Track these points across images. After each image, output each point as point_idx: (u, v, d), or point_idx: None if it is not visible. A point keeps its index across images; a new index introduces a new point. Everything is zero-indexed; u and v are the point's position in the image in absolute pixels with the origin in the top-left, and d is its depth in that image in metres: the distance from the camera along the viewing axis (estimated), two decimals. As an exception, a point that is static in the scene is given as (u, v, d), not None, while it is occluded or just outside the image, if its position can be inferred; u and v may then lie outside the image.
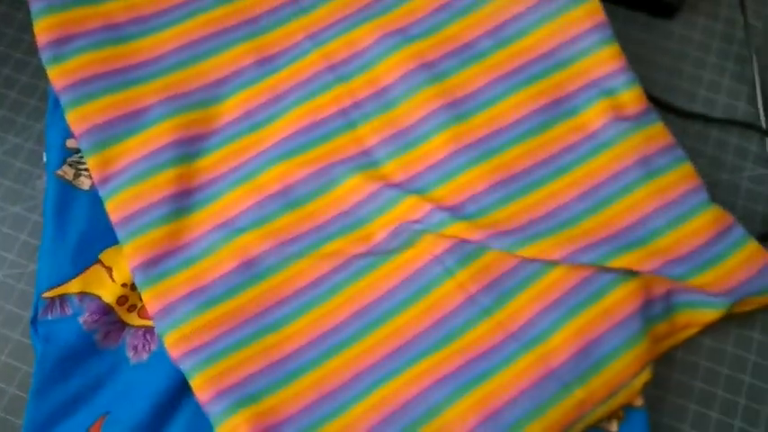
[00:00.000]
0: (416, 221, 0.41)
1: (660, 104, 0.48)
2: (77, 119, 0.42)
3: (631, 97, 0.44)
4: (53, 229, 0.42)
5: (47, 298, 0.41)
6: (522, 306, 0.39)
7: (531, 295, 0.39)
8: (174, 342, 0.38)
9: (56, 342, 0.40)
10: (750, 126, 0.47)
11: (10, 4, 0.50)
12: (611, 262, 0.39)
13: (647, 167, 0.42)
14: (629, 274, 0.40)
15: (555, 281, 0.39)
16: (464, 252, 0.40)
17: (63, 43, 0.44)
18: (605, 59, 0.44)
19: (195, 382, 0.37)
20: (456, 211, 0.41)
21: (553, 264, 0.40)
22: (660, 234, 0.41)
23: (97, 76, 0.43)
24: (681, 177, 0.42)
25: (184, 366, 0.38)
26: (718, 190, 0.46)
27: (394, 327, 0.39)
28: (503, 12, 0.46)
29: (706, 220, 0.41)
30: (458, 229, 0.40)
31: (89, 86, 0.43)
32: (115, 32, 0.45)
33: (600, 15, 0.45)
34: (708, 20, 0.51)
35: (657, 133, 0.43)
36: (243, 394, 0.37)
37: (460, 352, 0.38)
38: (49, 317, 0.40)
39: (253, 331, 0.39)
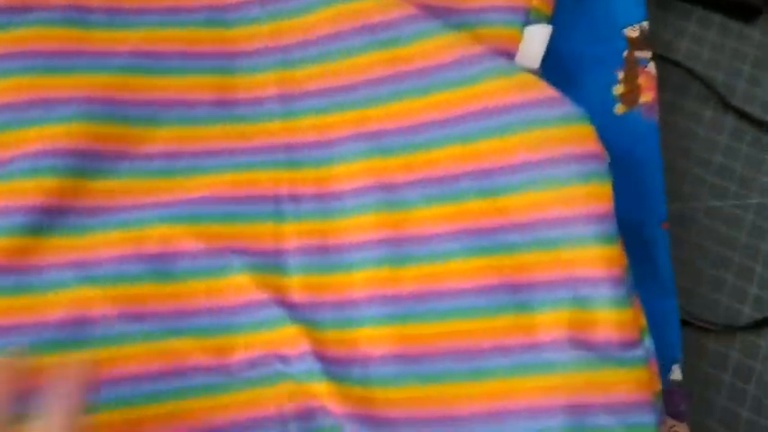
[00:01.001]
0: (283, 358, 0.35)
1: (737, 113, 0.46)
2: None
3: (611, 321, 0.34)
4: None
5: None
6: None
7: None
8: None
9: None
10: (832, 139, 0.45)
11: None
12: None
13: (576, 421, 0.32)
14: None
15: None
16: (313, 425, 0.34)
17: (16, 12, 0.39)
18: (596, 260, 0.34)
19: None
20: (336, 366, 0.34)
21: None
22: None
23: (34, 52, 0.39)
24: None
25: None
26: (794, 205, 0.44)
27: None
28: (493, 157, 0.37)
29: None
30: (322, 389, 0.34)
31: (20, 61, 0.39)
32: (79, 15, 0.40)
33: (607, 204, 0.35)
34: (791, 25, 0.48)
35: (630, 384, 0.33)
36: None
37: None
38: None
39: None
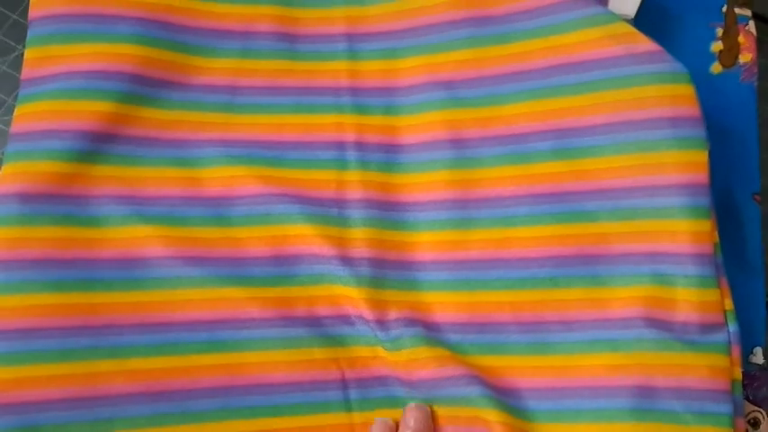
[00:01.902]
0: (345, 318, 0.33)
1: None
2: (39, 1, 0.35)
3: (692, 301, 0.31)
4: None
5: None
6: None
7: None
8: None
9: None
10: None
11: None
12: None
13: (643, 404, 0.30)
14: None
15: None
16: (377, 393, 0.33)
17: None
18: (683, 234, 0.32)
19: None
20: (396, 331, 0.33)
21: None
22: None
23: None
24: None
25: None
26: None
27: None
28: (576, 116, 0.34)
29: None
30: (383, 355, 0.33)
31: None
32: None
33: (702, 174, 0.32)
34: None
35: (707, 370, 0.30)
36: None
37: None
38: None
39: (67, 346, 0.30)
